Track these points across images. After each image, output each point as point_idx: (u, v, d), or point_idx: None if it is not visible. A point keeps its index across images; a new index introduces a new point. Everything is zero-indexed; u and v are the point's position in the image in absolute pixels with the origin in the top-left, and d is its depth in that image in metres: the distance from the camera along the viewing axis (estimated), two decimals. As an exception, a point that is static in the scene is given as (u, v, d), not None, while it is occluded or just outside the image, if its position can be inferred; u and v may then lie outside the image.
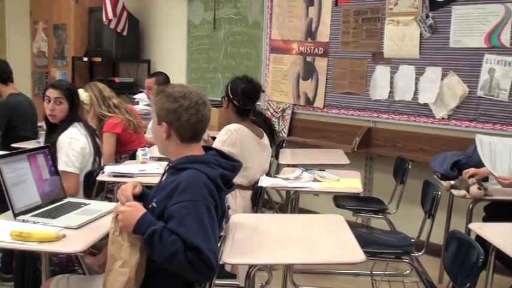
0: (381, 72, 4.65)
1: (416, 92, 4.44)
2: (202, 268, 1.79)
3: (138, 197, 2.06)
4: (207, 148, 2.17)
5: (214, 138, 4.19)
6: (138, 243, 1.89)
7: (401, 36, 4.48)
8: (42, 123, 4.32)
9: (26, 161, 2.50)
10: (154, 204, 1.98)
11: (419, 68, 4.41)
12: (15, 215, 2.34)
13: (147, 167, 3.38)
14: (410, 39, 4.42)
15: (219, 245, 2.01)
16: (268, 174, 3.59)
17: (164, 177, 2.08)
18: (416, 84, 4.43)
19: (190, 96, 2.04)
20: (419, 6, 4.35)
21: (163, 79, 5.01)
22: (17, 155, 2.49)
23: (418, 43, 4.38)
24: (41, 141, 3.91)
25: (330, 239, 2.22)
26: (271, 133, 3.69)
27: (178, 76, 6.59)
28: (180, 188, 1.90)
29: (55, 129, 3.36)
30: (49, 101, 3.33)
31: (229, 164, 2.08)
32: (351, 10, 4.84)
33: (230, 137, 3.24)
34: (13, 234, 2.09)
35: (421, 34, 4.36)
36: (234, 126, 3.29)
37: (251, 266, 2.03)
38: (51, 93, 3.33)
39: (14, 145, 4.03)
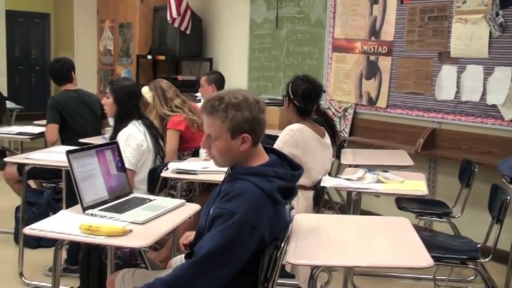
0: (447, 72, 4.53)
1: (484, 93, 4.30)
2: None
3: None
4: (268, 149, 2.10)
5: (270, 136, 4.19)
6: None
7: (469, 35, 4.35)
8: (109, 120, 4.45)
9: (95, 156, 2.56)
10: (211, 211, 1.97)
11: (487, 68, 4.27)
12: (84, 209, 2.40)
13: (210, 165, 3.40)
14: (479, 38, 4.29)
15: (282, 245, 2.00)
16: (329, 174, 3.56)
17: (224, 183, 2.06)
18: (484, 84, 4.29)
19: (254, 98, 1.99)
20: (489, 3, 4.20)
21: (214, 77, 5.05)
22: (86, 151, 2.55)
23: (487, 42, 4.24)
24: (106, 137, 4.01)
25: (395, 242, 2.17)
26: (333, 133, 3.65)
27: (239, 74, 6.65)
28: (229, 195, 1.87)
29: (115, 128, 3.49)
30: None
31: (289, 174, 1.99)
32: (416, 8, 4.74)
33: (292, 137, 3.22)
34: (82, 227, 2.14)
35: (490, 33, 4.22)
36: (296, 126, 3.27)
37: (314, 267, 2.01)
38: (107, 88, 3.53)
39: (81, 140, 4.14)
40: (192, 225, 2.61)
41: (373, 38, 5.13)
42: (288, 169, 2.03)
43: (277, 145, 3.27)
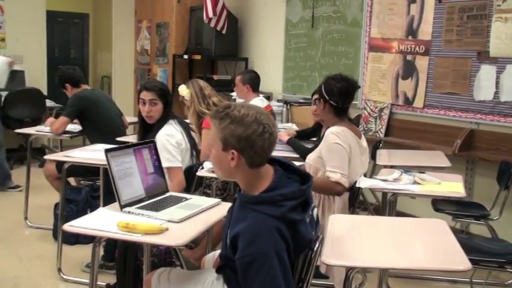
0: (486, 72, 4.45)
1: (524, 93, 4.22)
2: None
3: None
4: (273, 161, 1.98)
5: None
6: None
7: (509, 34, 4.26)
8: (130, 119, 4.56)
9: (132, 155, 2.60)
10: (228, 240, 1.90)
11: (528, 68, 4.18)
12: (122, 207, 2.44)
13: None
14: (520, 38, 4.20)
15: (316, 246, 2.00)
16: (364, 175, 3.53)
17: (235, 206, 1.99)
18: (524, 85, 4.21)
19: (261, 119, 1.87)
20: (531, 2, 4.12)
21: (248, 77, 5.02)
22: (124, 149, 2.59)
23: (528, 42, 4.16)
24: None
25: (431, 244, 2.15)
26: None
27: (275, 74, 6.65)
28: (246, 238, 1.78)
29: (150, 129, 3.48)
30: (144, 103, 3.46)
31: (297, 192, 1.88)
32: (455, 7, 4.66)
33: (339, 138, 3.16)
34: (120, 225, 2.18)
35: (531, 32, 4.14)
36: (337, 128, 3.20)
37: (350, 269, 2.00)
38: (146, 95, 3.45)
39: (118, 139, 4.21)
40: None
41: (410, 38, 5.08)
42: (296, 182, 1.94)
43: (322, 151, 3.21)
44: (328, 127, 3.33)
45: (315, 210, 2.03)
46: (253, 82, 5.02)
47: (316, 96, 3.46)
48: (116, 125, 4.63)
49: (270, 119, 1.92)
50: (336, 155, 3.14)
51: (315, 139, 4.34)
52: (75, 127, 4.73)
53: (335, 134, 3.16)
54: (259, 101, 4.87)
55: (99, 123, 4.49)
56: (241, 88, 4.96)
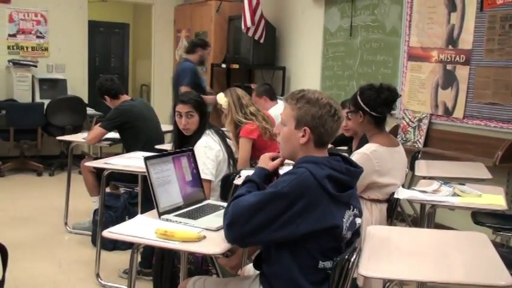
0: (529, 82, 4.36)
1: None
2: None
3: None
4: (333, 154, 2.16)
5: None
6: None
7: (553, 43, 4.17)
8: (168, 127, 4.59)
9: (171, 163, 2.62)
10: None
11: None
12: (160, 214, 2.46)
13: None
14: None
15: (354, 257, 1.99)
16: (402, 185, 3.48)
17: None
18: None
19: (332, 103, 2.08)
20: None
21: (262, 90, 5.37)
22: (163, 157, 2.62)
23: None
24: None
25: (472, 258, 2.11)
26: None
27: (312, 83, 6.64)
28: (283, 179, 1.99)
29: (187, 140, 3.51)
30: (180, 115, 3.50)
31: (343, 167, 2.05)
32: (497, 16, 4.58)
33: (367, 160, 3.05)
34: (158, 232, 2.20)
35: None
36: (370, 148, 3.13)
37: (387, 281, 1.98)
38: (182, 108, 3.50)
39: (157, 147, 4.26)
40: None
41: (450, 47, 5.01)
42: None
43: None
44: (361, 138, 3.29)
45: (359, 220, 2.11)
46: (268, 92, 5.38)
47: (347, 110, 3.36)
48: (155, 138, 4.65)
49: (339, 105, 2.13)
50: None
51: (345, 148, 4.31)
52: (115, 135, 4.80)
53: (362, 157, 3.07)
54: (279, 106, 4.94)
55: (139, 136, 4.52)
56: (258, 102, 5.27)
